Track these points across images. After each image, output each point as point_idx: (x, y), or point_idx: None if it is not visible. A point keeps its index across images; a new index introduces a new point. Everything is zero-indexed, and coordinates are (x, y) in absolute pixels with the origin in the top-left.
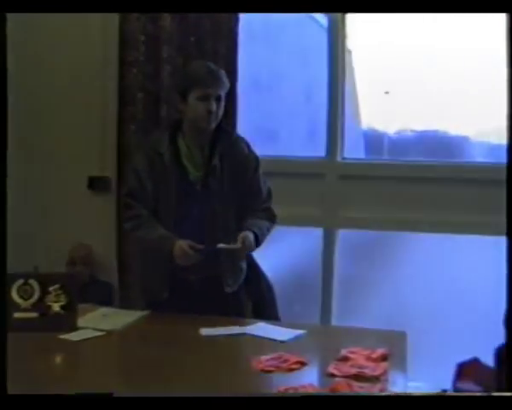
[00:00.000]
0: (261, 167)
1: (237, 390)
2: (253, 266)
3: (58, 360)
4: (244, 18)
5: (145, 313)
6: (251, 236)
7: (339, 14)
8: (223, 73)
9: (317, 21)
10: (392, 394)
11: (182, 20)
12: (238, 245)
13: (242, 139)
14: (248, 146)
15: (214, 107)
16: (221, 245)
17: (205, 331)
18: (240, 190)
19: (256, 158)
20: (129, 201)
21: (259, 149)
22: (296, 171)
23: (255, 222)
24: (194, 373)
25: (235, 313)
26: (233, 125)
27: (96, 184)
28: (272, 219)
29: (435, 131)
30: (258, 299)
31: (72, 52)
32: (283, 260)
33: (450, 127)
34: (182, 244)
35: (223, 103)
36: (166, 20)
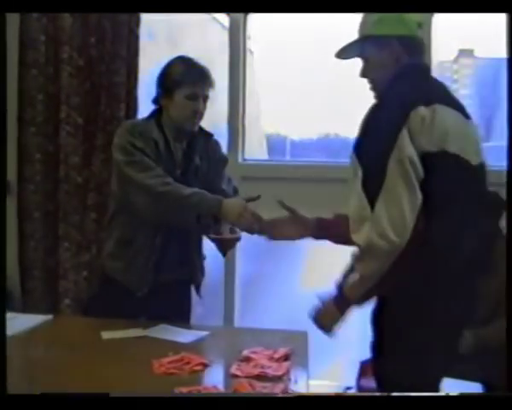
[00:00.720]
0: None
1: (138, 393)
2: None
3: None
4: (145, 19)
5: (48, 317)
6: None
7: (240, 15)
8: (209, 73)
9: (219, 22)
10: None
11: (82, 21)
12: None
13: (217, 141)
14: (221, 148)
15: (201, 107)
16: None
17: (106, 335)
18: (214, 190)
19: (226, 160)
20: (148, 163)
21: None
22: None
23: None
24: (94, 377)
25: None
26: None
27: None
28: None
29: (337, 135)
30: None
31: None
32: None
33: (352, 130)
34: (235, 200)
35: (206, 104)
36: (67, 20)
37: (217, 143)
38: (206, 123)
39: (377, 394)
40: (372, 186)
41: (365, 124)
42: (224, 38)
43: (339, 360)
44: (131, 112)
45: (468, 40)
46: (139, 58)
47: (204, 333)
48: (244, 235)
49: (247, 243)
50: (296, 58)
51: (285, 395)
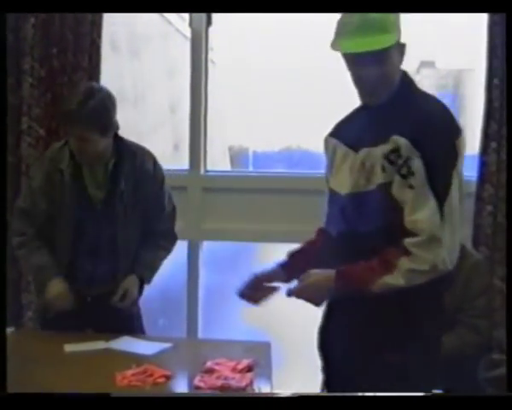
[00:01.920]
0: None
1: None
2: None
3: None
4: (107, 30)
5: (9, 329)
6: (133, 287)
7: (203, 25)
8: (89, 108)
9: (181, 32)
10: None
11: (44, 32)
12: (117, 300)
13: (149, 154)
14: (154, 161)
15: (90, 147)
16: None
17: (69, 347)
18: (143, 211)
19: (162, 174)
20: (18, 215)
21: None
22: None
23: (149, 257)
24: (56, 390)
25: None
26: None
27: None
28: (172, 242)
29: (299, 147)
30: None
31: None
32: None
33: (313, 143)
34: (58, 284)
35: (97, 136)
36: (29, 31)
37: (148, 159)
38: (168, 134)
39: (377, 394)
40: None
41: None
42: (186, 49)
43: (302, 369)
44: None
45: (430, 51)
46: (101, 69)
47: (167, 345)
48: (207, 245)
49: (208, 253)
50: (259, 69)
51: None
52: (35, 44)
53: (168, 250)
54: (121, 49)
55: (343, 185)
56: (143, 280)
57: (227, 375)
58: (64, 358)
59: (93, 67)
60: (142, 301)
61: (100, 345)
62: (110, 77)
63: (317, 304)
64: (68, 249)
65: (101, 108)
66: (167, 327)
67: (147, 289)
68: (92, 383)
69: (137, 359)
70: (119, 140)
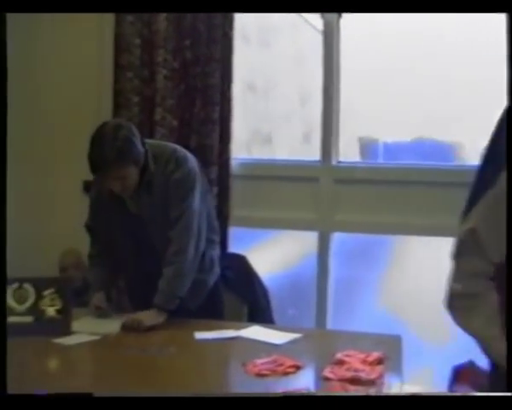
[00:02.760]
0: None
1: (231, 394)
2: (248, 270)
3: (52, 364)
4: (239, 21)
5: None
6: (146, 321)
7: (334, 17)
8: (114, 148)
9: (311, 24)
10: (389, 394)
11: (177, 24)
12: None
13: (178, 160)
14: (185, 164)
15: (116, 187)
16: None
17: (199, 335)
18: (171, 216)
19: (192, 178)
20: (88, 231)
21: (255, 153)
22: (291, 174)
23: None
24: (187, 377)
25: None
26: (228, 129)
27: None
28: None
29: (430, 138)
30: (253, 303)
31: (67, 56)
32: (278, 264)
33: (445, 134)
34: (93, 298)
35: (130, 170)
36: (161, 23)
37: (174, 164)
38: (298, 125)
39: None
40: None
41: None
42: (315, 39)
43: (432, 364)
44: (225, 114)
45: None
46: (233, 60)
47: (297, 335)
48: (338, 236)
49: (340, 245)
50: (389, 60)
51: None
52: (168, 37)
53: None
54: (251, 40)
55: None
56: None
57: (357, 367)
58: (194, 345)
59: (225, 59)
60: (271, 292)
61: (230, 333)
62: (241, 68)
63: None
64: (119, 265)
65: (128, 142)
66: (297, 317)
67: (278, 278)
68: (222, 372)
69: (267, 348)
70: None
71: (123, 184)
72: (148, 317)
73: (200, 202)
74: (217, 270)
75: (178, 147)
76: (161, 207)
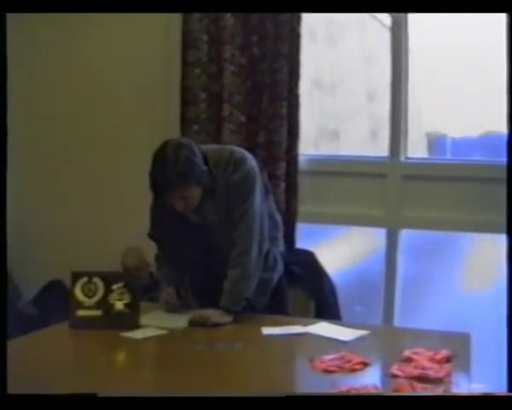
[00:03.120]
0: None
1: (299, 390)
2: (316, 266)
3: (120, 357)
4: (306, 18)
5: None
6: (213, 318)
7: (402, 13)
8: (176, 170)
9: (379, 21)
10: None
11: (244, 20)
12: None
13: (237, 161)
14: (243, 165)
15: (179, 206)
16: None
17: (266, 331)
18: (233, 218)
19: (251, 178)
20: (152, 239)
21: (322, 150)
22: (359, 171)
23: (226, 286)
24: (254, 373)
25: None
26: (296, 125)
27: None
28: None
29: (499, 132)
30: (321, 299)
31: (135, 53)
32: (346, 260)
33: None
34: (162, 293)
35: (193, 190)
36: (229, 20)
37: (233, 165)
38: (365, 121)
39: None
40: None
41: None
42: (383, 35)
43: (501, 364)
44: (293, 110)
45: None
46: (300, 56)
47: (364, 332)
48: (406, 233)
49: (408, 242)
50: (456, 55)
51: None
52: (235, 33)
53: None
54: (318, 37)
55: None
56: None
57: (425, 365)
58: (261, 340)
59: (293, 55)
60: (339, 288)
61: (297, 329)
62: (308, 64)
63: None
64: (180, 267)
65: (190, 163)
66: (364, 314)
67: (345, 274)
68: (289, 368)
69: (335, 344)
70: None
71: (186, 204)
72: (216, 315)
73: (261, 201)
74: (280, 267)
75: (236, 148)
76: (224, 210)
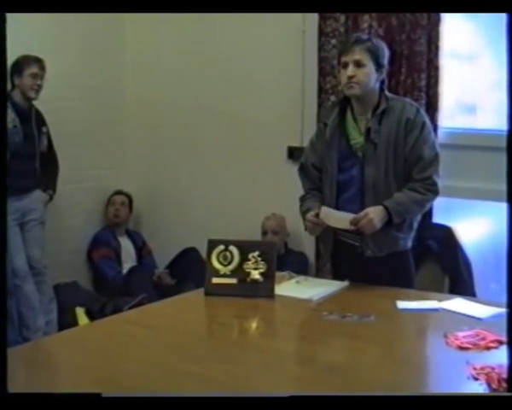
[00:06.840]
0: (429, 133)
1: (432, 366)
2: (452, 241)
3: (254, 325)
4: None
5: (344, 283)
6: (375, 215)
7: None
8: (363, 38)
9: None
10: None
11: None
12: (351, 227)
13: (410, 104)
14: (417, 110)
15: (351, 72)
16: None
17: (401, 305)
18: (399, 155)
19: (422, 123)
20: (302, 173)
21: (459, 123)
22: (497, 145)
23: (401, 195)
24: (387, 345)
25: (375, 279)
26: (435, 97)
27: (295, 154)
28: (430, 189)
29: None
30: (455, 274)
31: (271, 23)
32: (484, 237)
33: None
34: (307, 216)
35: (367, 69)
36: None
37: (410, 109)
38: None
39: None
40: None
41: None
42: None
43: None
44: (432, 81)
45: None
46: (440, 28)
47: (500, 310)
48: None
49: None
50: None
51: None
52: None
53: (424, 195)
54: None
55: None
56: (391, 216)
57: None
58: (396, 314)
59: (432, 26)
60: (475, 265)
61: (432, 304)
62: (446, 36)
63: None
64: (333, 197)
65: (380, 47)
66: (499, 292)
67: (483, 250)
68: (423, 342)
69: (470, 321)
70: (383, 95)
71: (357, 73)
72: (374, 211)
73: None
74: (411, 235)
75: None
76: (391, 146)
